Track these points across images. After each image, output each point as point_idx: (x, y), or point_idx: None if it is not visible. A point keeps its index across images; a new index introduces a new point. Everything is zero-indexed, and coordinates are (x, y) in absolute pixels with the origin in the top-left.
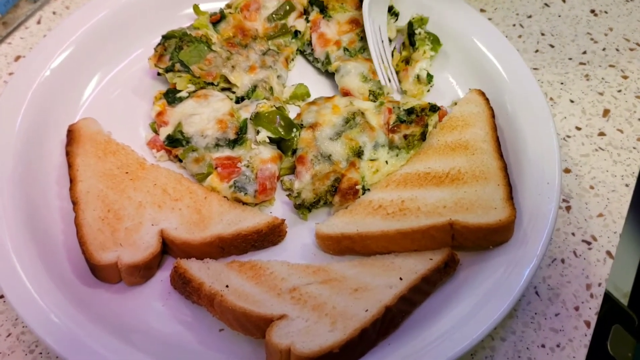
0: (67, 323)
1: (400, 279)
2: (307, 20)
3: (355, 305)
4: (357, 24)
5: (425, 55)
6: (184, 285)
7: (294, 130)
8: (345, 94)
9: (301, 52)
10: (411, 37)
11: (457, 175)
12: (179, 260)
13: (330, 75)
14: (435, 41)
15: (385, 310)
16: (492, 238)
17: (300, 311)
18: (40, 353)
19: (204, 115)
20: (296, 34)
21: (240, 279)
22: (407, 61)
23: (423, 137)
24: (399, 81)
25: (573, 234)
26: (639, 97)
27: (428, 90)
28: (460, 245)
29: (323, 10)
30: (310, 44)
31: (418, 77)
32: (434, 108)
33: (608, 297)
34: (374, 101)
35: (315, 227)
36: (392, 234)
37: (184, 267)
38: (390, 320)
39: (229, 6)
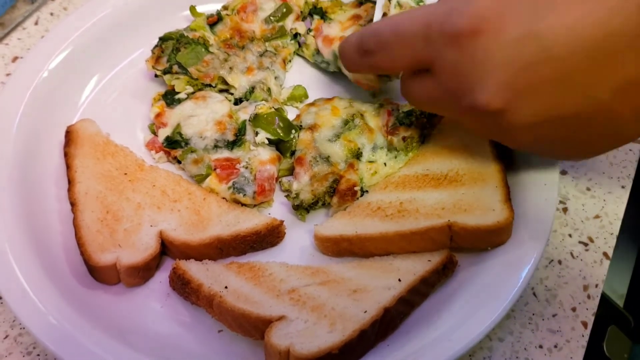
0: (65, 324)
1: (399, 280)
2: (310, 29)
3: (354, 307)
4: (358, 18)
5: None
6: (183, 286)
7: (293, 131)
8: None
9: (315, 63)
10: None
11: (455, 177)
12: (178, 262)
13: (328, 76)
14: None
15: (384, 311)
16: (490, 239)
17: (299, 312)
18: (38, 355)
19: (202, 117)
20: (296, 36)
21: (239, 280)
22: None
23: (422, 139)
24: None
25: (570, 236)
26: None
27: None
28: (458, 247)
29: (323, 16)
30: (319, 52)
31: None
32: None
33: (604, 298)
34: (375, 94)
35: (313, 228)
36: (391, 235)
37: (183, 268)
38: (389, 322)
39: (225, 8)
